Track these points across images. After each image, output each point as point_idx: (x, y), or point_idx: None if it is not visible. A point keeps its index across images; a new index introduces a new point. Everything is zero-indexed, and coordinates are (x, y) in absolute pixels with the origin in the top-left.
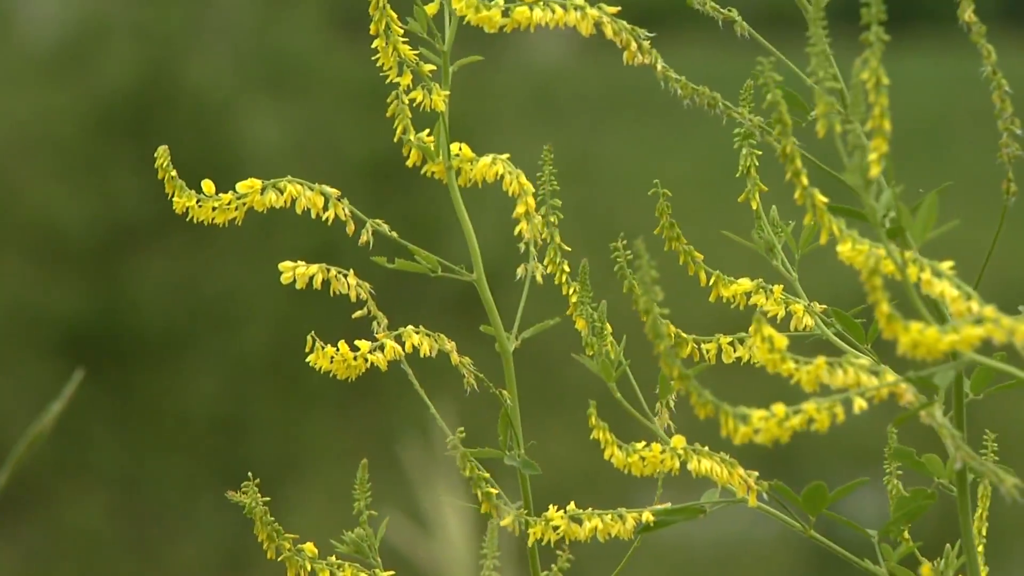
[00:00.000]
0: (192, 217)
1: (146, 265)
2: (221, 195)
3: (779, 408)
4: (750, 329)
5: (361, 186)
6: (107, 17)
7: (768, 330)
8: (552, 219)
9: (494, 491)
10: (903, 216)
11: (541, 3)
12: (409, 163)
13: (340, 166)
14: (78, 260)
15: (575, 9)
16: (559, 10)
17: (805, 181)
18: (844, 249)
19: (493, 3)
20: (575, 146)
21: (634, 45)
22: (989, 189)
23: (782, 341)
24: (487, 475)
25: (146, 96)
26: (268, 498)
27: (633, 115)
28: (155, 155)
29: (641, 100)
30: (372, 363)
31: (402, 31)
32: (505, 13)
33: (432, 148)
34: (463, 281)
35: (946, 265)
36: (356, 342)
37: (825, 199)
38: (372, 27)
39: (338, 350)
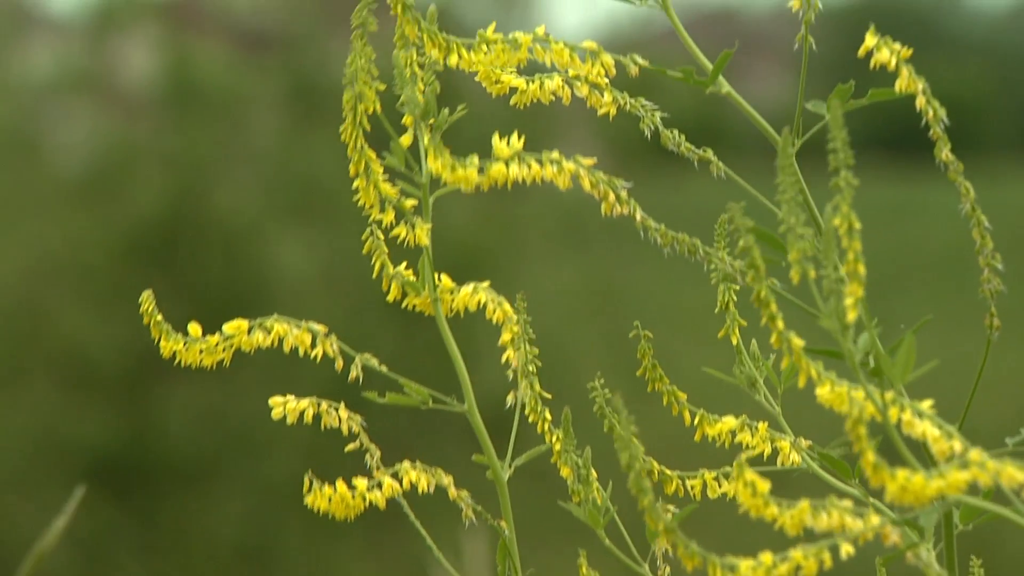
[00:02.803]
0: (180, 361)
1: (173, 393)
2: (208, 337)
3: (766, 557)
4: (733, 473)
5: (388, 312)
6: (135, 144)
7: (750, 475)
8: (531, 368)
9: None
10: (882, 360)
11: (517, 159)
12: (390, 298)
13: (367, 292)
14: (105, 387)
15: (551, 163)
16: (535, 165)
17: (781, 325)
18: (823, 392)
19: (468, 161)
20: (601, 274)
21: (612, 196)
22: (1012, 316)
23: (764, 486)
24: None
25: (174, 223)
26: None
27: (656, 243)
28: (140, 300)
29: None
30: (371, 501)
31: (382, 168)
32: (481, 171)
33: (414, 281)
34: (489, 401)
35: (926, 404)
36: (353, 480)
37: (802, 342)
38: (351, 167)
39: (335, 490)
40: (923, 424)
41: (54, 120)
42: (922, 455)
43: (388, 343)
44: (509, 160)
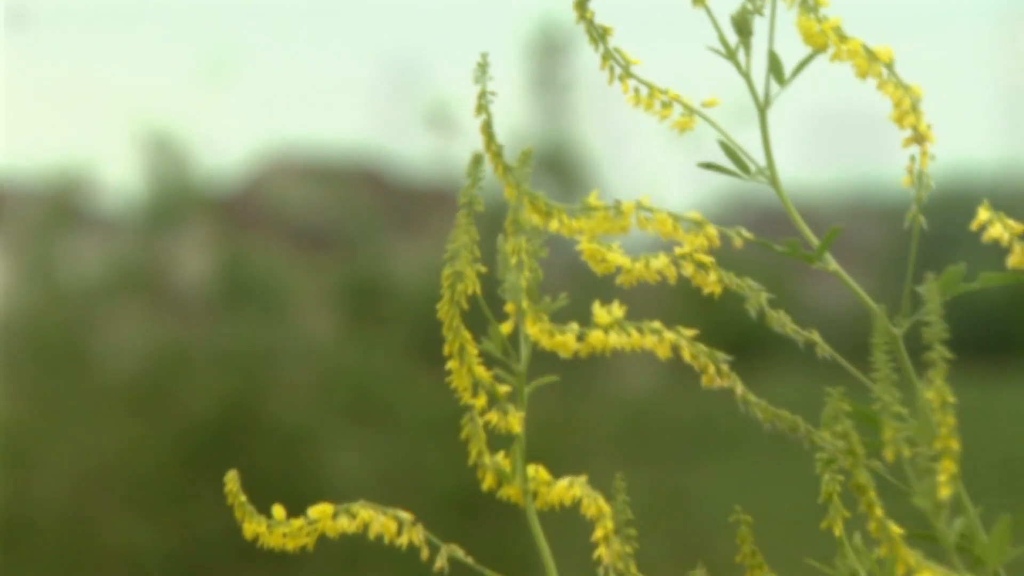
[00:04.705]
0: (262, 543)
1: None
2: (292, 520)
3: None
4: None
5: (446, 517)
6: (187, 346)
7: None
8: (628, 549)
9: None
10: (976, 542)
11: (617, 327)
12: (484, 486)
13: (424, 495)
14: None
15: (652, 333)
16: (635, 334)
17: (880, 513)
18: None
19: (568, 328)
20: (668, 478)
21: (712, 368)
22: None
23: None
24: None
25: (227, 426)
26: None
27: (727, 445)
28: (225, 480)
29: (735, 429)
30: None
31: (477, 351)
32: (580, 338)
33: (508, 471)
34: None
35: None
36: None
37: (900, 530)
38: (446, 347)
39: None
40: None
41: (104, 322)
42: None
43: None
44: (609, 328)
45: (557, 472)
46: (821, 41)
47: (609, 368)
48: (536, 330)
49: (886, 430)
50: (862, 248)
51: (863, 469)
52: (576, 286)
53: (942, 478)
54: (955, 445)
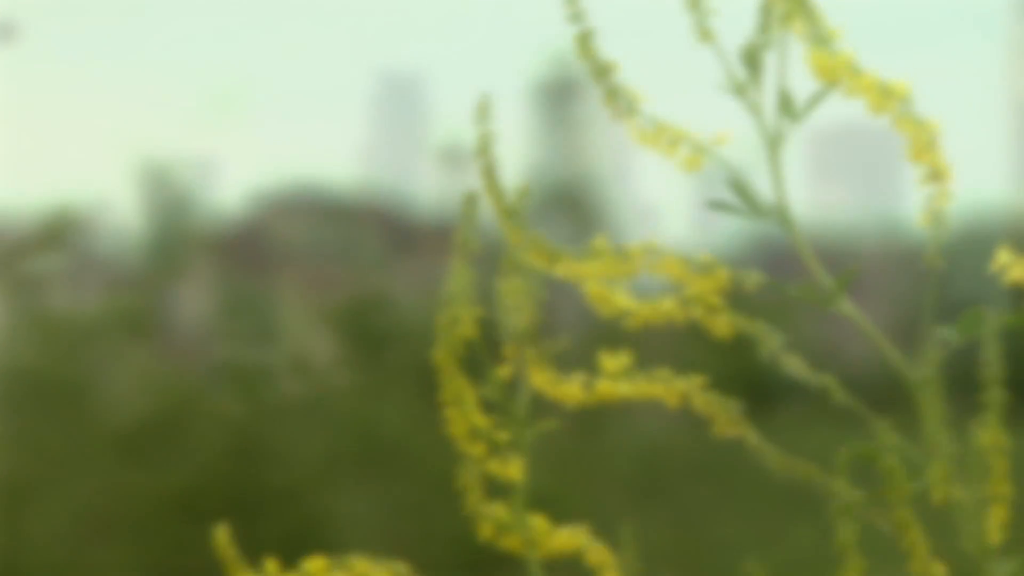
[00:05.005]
0: None
1: None
2: (286, 575)
3: None
4: None
5: (453, 568)
6: (189, 389)
7: None
8: None
9: None
10: None
11: (625, 376)
12: (481, 536)
13: (431, 546)
14: None
15: (660, 382)
16: (643, 383)
17: (924, 552)
18: None
19: (572, 377)
20: (684, 522)
21: (724, 417)
22: None
23: None
24: None
25: (232, 475)
26: None
27: (747, 487)
28: (213, 534)
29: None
30: None
31: (476, 397)
32: (586, 386)
33: (507, 520)
34: None
35: None
36: None
37: (943, 569)
38: (443, 393)
39: None
40: None
41: (104, 364)
42: None
43: None
44: (616, 377)
45: (567, 518)
46: (834, 76)
47: (622, 408)
48: (539, 380)
49: (935, 468)
50: (885, 287)
51: (907, 507)
52: (589, 325)
53: (992, 523)
54: (1007, 491)
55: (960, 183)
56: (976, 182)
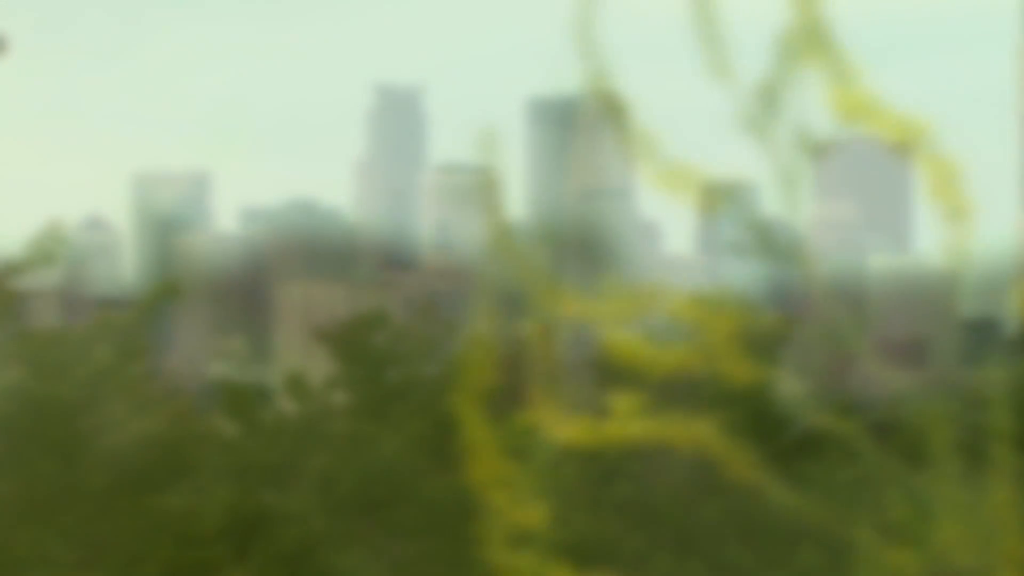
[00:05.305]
0: None
1: None
2: None
3: None
4: None
5: None
6: (187, 436)
7: None
8: None
9: None
10: None
11: (637, 418)
12: None
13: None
14: None
15: (672, 425)
16: (655, 425)
17: None
18: None
19: (581, 418)
20: (713, 560)
21: (739, 461)
22: None
23: None
24: None
25: (236, 527)
26: None
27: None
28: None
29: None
30: None
31: (496, 443)
32: (595, 428)
33: (527, 567)
34: None
35: None
36: None
37: None
38: (468, 434)
39: None
40: None
41: (102, 412)
42: None
43: None
44: (629, 418)
45: (590, 560)
46: (855, 115)
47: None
48: (548, 420)
49: (947, 529)
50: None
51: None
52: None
53: None
54: (1021, 551)
55: (978, 218)
56: (989, 209)
